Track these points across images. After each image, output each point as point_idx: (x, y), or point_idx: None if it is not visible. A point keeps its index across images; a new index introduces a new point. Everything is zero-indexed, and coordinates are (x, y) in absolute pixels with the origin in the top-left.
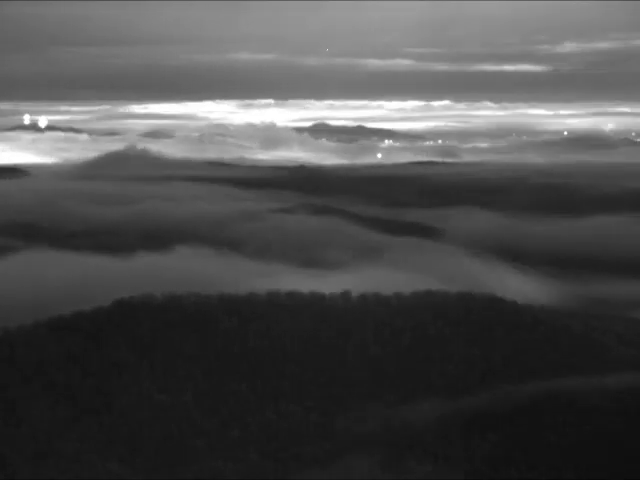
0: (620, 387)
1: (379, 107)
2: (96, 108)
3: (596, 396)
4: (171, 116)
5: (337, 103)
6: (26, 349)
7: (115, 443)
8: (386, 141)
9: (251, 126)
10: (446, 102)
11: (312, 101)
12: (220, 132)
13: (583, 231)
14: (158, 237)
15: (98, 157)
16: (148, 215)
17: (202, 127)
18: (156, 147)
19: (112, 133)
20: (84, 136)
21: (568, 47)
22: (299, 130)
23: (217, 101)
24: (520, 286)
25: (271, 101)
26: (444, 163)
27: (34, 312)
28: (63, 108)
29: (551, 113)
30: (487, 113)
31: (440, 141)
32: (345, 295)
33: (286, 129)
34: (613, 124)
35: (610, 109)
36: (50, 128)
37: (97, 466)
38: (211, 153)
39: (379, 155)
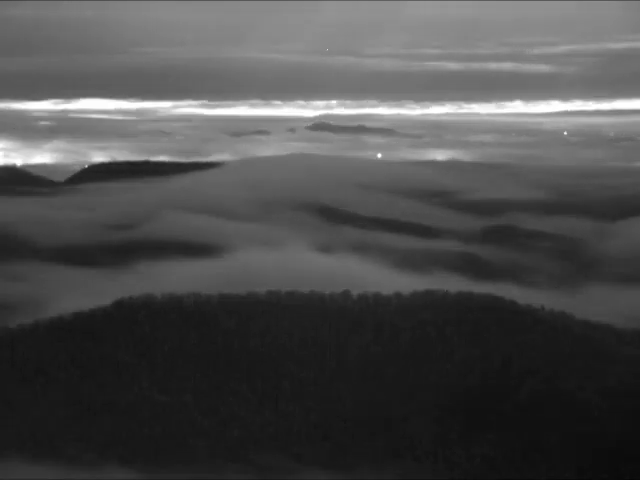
0: (620, 387)
1: (379, 106)
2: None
3: (596, 396)
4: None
5: (337, 102)
6: (26, 349)
7: (115, 443)
8: (386, 140)
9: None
10: (446, 101)
11: (312, 100)
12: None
13: None
14: None
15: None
16: None
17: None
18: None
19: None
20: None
21: (567, 47)
22: (300, 129)
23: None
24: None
25: (274, 101)
26: (445, 161)
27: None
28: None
29: (551, 112)
30: (487, 112)
31: (440, 140)
32: (345, 295)
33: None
34: (614, 124)
35: (611, 109)
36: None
37: (97, 466)
38: None
39: (379, 155)
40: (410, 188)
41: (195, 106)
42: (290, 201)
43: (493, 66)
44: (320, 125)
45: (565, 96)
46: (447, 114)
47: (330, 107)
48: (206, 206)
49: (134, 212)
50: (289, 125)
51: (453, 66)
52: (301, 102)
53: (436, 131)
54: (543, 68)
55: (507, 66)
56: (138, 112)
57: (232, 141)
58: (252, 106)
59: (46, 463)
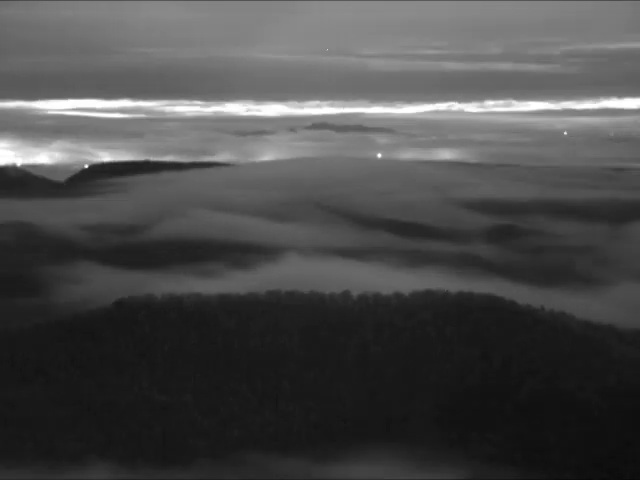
0: (620, 387)
1: (378, 106)
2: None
3: (596, 396)
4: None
5: (336, 102)
6: (26, 349)
7: (115, 443)
8: (386, 139)
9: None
10: (445, 101)
11: (311, 100)
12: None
13: None
14: None
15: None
16: None
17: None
18: None
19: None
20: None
21: (567, 47)
22: (300, 129)
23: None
24: None
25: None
26: (445, 161)
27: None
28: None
29: (550, 112)
30: (486, 112)
31: (440, 140)
32: (345, 295)
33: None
34: (614, 124)
35: (610, 108)
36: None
37: (97, 466)
38: None
39: (379, 155)
40: (410, 188)
41: (194, 106)
42: (289, 201)
43: (492, 66)
44: (320, 125)
45: (565, 96)
46: (447, 114)
47: (329, 107)
48: (225, 205)
49: (154, 212)
50: (289, 125)
51: (452, 66)
52: (300, 102)
53: (436, 131)
54: (543, 68)
55: (506, 66)
56: (138, 112)
57: (236, 141)
58: (251, 106)
59: (46, 463)
